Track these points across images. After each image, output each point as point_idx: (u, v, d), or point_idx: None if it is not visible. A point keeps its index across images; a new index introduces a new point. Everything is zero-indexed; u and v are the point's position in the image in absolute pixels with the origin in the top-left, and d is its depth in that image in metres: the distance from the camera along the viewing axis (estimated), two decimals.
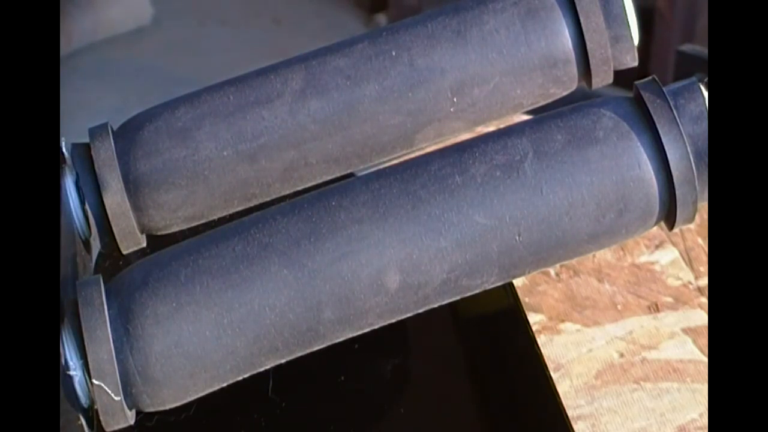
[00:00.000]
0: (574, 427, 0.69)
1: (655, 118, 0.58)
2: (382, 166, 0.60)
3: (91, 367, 0.55)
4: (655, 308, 0.76)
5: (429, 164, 0.58)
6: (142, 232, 0.64)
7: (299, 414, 0.74)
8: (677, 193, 0.58)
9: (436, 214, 0.57)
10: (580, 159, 0.58)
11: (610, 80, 0.65)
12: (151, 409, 0.57)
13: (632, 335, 0.75)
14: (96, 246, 0.65)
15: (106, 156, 0.62)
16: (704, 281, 0.78)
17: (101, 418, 0.56)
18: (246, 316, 0.56)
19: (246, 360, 0.57)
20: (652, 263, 0.80)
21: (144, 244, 0.64)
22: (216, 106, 0.63)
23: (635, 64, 0.65)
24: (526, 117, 0.64)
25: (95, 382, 0.55)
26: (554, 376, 0.72)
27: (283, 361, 0.58)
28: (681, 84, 0.59)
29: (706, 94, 0.59)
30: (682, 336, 0.74)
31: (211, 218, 0.65)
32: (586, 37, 0.63)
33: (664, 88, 0.59)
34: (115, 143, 0.63)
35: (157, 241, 0.64)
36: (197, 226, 0.64)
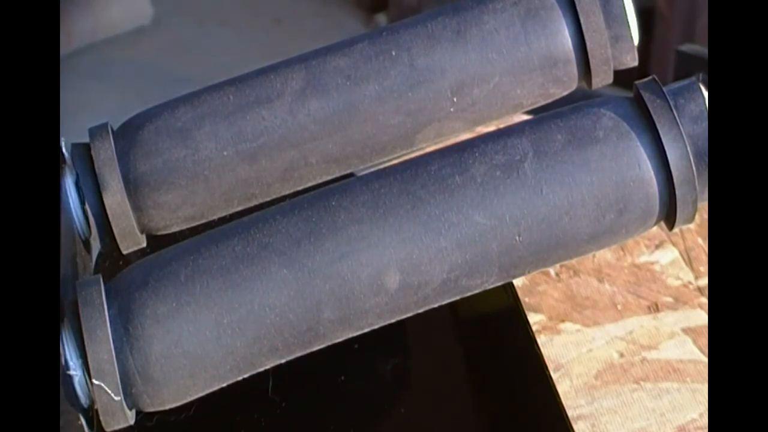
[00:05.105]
0: (574, 427, 0.69)
1: (655, 118, 0.58)
2: (382, 166, 0.60)
3: (91, 367, 0.55)
4: (655, 308, 0.76)
5: (429, 164, 0.58)
6: (142, 232, 0.64)
7: (299, 414, 0.74)
8: (677, 193, 0.58)
9: (436, 214, 0.57)
10: (580, 159, 0.58)
11: (610, 80, 0.65)
12: (151, 409, 0.57)
13: (632, 335, 0.75)
14: (96, 246, 0.65)
15: (106, 156, 0.62)
16: (704, 281, 0.78)
17: (101, 418, 0.56)
18: (246, 316, 0.56)
19: (246, 360, 0.57)
20: (652, 263, 0.80)
21: (144, 244, 0.64)
22: (216, 106, 0.63)
23: (635, 64, 0.65)
24: (526, 117, 0.64)
25: (95, 382, 0.55)
26: (554, 376, 0.72)
27: (283, 361, 0.58)
28: (681, 84, 0.59)
29: (706, 94, 0.59)
30: (682, 336, 0.74)
31: (211, 218, 0.65)
32: (586, 37, 0.63)
33: (664, 88, 0.59)
34: (115, 143, 0.63)
35: (157, 241, 0.64)
36: (197, 226, 0.64)
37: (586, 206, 0.58)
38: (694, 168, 0.58)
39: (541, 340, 0.74)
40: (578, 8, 0.63)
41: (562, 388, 0.71)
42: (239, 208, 0.65)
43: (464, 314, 0.81)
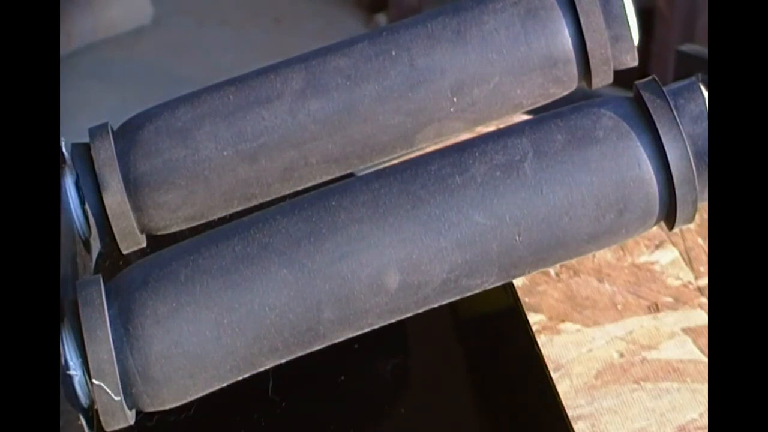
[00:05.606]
0: (574, 427, 0.69)
1: (655, 118, 0.58)
2: (382, 166, 0.60)
3: (91, 367, 0.55)
4: (655, 308, 0.76)
5: (429, 164, 0.58)
6: (142, 232, 0.64)
7: (299, 414, 0.74)
8: (677, 193, 0.58)
9: (436, 214, 0.57)
10: (580, 159, 0.58)
11: (610, 80, 0.65)
12: (151, 409, 0.57)
13: (632, 335, 0.75)
14: (96, 246, 0.65)
15: (106, 156, 0.62)
16: (704, 281, 0.78)
17: (101, 418, 0.56)
18: (246, 316, 0.56)
19: (246, 360, 0.57)
20: (652, 263, 0.80)
21: (144, 244, 0.64)
22: (216, 106, 0.63)
23: (635, 64, 0.65)
24: (526, 117, 0.64)
25: (95, 382, 0.55)
26: (554, 376, 0.72)
27: (283, 361, 0.58)
28: (681, 84, 0.59)
29: (706, 94, 0.59)
30: (682, 336, 0.74)
31: (211, 218, 0.65)
32: (586, 37, 0.63)
33: (664, 88, 0.59)
34: (115, 143, 0.63)
35: (157, 241, 0.64)
36: (197, 226, 0.64)
37: (586, 206, 0.58)
38: (694, 168, 0.58)
39: (541, 340, 0.74)
40: (578, 8, 0.63)
41: (562, 388, 0.71)
42: (239, 208, 0.65)
43: (464, 314, 0.81)
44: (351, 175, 0.63)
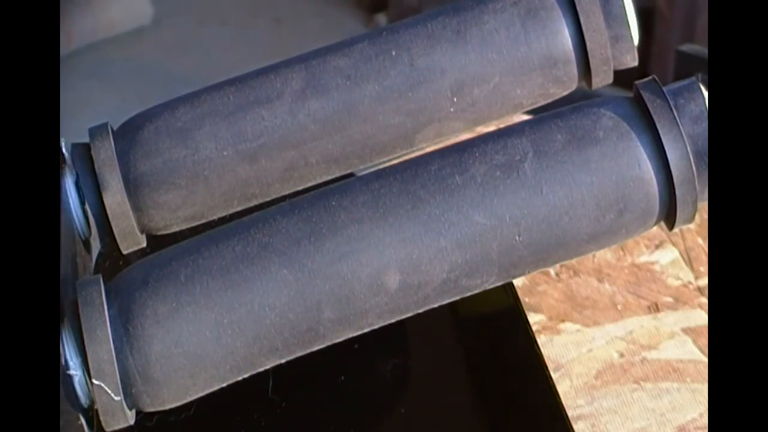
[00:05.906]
0: (574, 427, 0.69)
1: (655, 118, 0.58)
2: (382, 166, 0.60)
3: (91, 367, 0.55)
4: (655, 308, 0.76)
5: (429, 164, 0.58)
6: (142, 232, 0.64)
7: (299, 414, 0.74)
8: (677, 192, 0.58)
9: (436, 214, 0.57)
10: (580, 159, 0.58)
11: (610, 80, 0.65)
12: (151, 409, 0.57)
13: (632, 335, 0.75)
14: (96, 246, 0.65)
15: (106, 156, 0.62)
16: (704, 281, 0.78)
17: (101, 418, 0.56)
18: (246, 316, 0.56)
19: (246, 360, 0.57)
20: (652, 263, 0.80)
21: (144, 244, 0.64)
22: (216, 106, 0.63)
23: (635, 64, 0.65)
24: (526, 117, 0.64)
25: (95, 382, 0.55)
26: (554, 376, 0.72)
27: (283, 361, 0.58)
28: (681, 84, 0.59)
29: (706, 94, 0.59)
30: (682, 336, 0.74)
31: (211, 218, 0.65)
32: (586, 37, 0.63)
33: (664, 88, 0.59)
34: (115, 143, 0.63)
35: (157, 241, 0.64)
36: (197, 226, 0.64)
37: (586, 206, 0.58)
38: (694, 168, 0.58)
39: (541, 340, 0.74)
40: (578, 8, 0.63)
41: (562, 388, 0.71)
42: (239, 208, 0.65)
43: (464, 314, 0.81)
44: (351, 175, 0.63)
